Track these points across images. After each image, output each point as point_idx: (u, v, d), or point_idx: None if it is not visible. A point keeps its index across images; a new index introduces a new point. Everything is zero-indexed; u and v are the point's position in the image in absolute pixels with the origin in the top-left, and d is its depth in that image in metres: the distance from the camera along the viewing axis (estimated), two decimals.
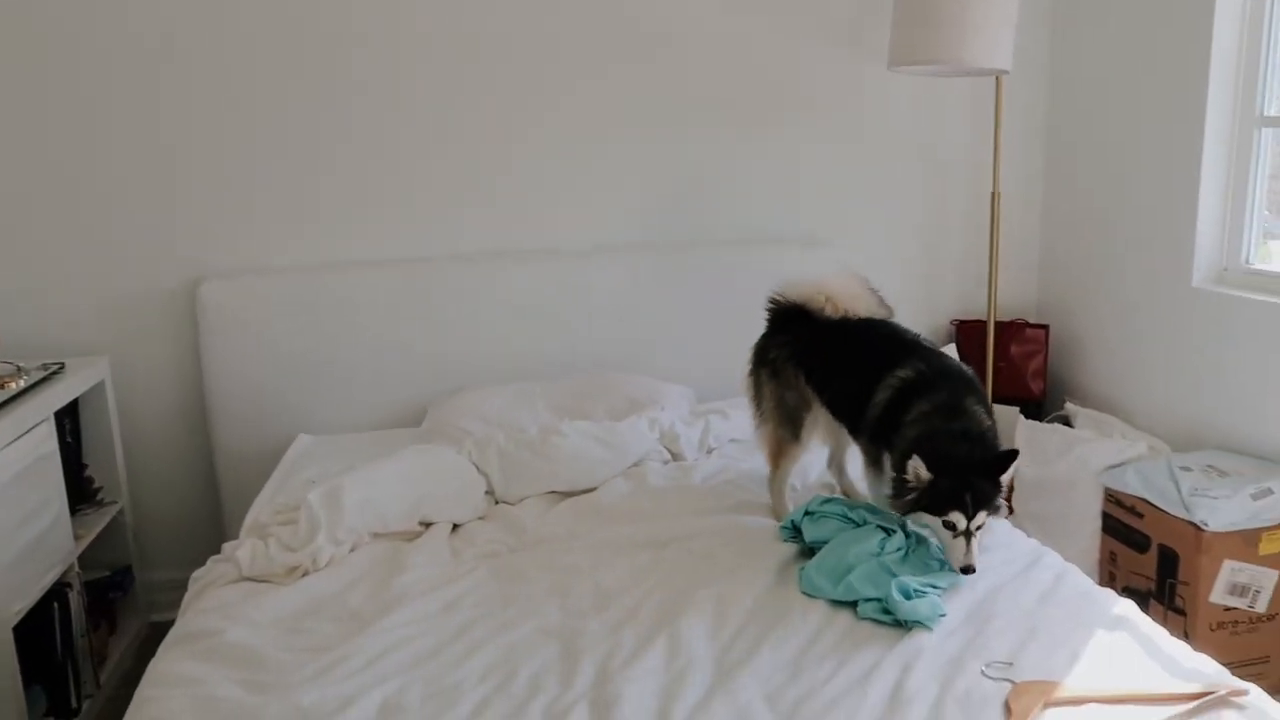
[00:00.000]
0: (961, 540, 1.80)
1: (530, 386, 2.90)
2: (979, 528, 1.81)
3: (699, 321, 3.13)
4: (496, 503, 2.37)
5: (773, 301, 2.33)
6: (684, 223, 3.20)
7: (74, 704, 2.49)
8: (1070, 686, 1.48)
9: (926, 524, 1.87)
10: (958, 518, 1.79)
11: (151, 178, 2.87)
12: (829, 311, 2.21)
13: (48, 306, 2.88)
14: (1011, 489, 3.10)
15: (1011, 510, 2.86)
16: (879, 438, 2.04)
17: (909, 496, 1.84)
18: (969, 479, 1.80)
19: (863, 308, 2.22)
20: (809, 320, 2.23)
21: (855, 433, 2.13)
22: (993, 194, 3.15)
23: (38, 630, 2.39)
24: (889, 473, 2.07)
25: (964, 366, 2.06)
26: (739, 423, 2.78)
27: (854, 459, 2.29)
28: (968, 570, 1.81)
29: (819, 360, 2.20)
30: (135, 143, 2.84)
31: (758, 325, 3.13)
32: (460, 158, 3.02)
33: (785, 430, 2.25)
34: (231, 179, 2.91)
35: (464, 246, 3.07)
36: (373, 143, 2.96)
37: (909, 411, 1.93)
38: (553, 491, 2.39)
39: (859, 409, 2.06)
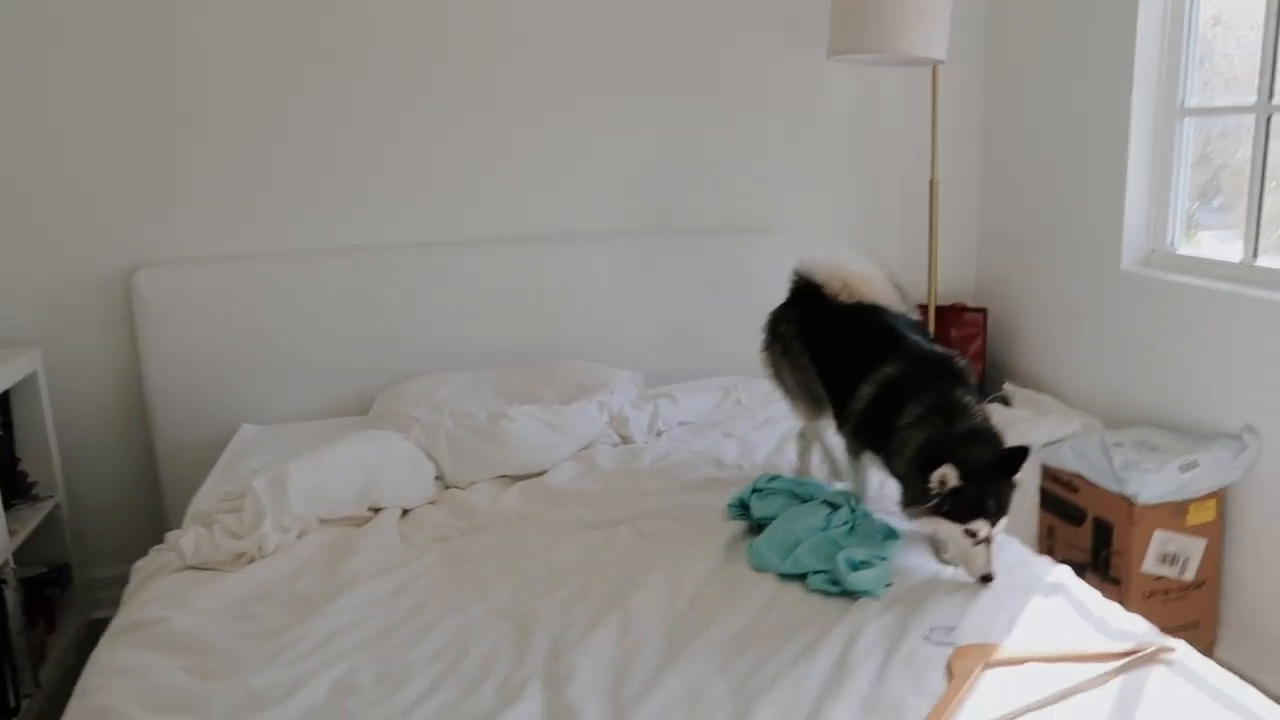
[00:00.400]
0: (982, 548, 1.74)
1: (479, 374, 2.90)
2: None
3: (648, 308, 3.16)
4: (446, 488, 2.36)
5: (794, 274, 2.31)
6: (634, 212, 3.22)
7: (12, 703, 2.42)
8: (1009, 648, 1.54)
9: (939, 532, 1.81)
10: (981, 525, 1.73)
11: (84, 161, 2.79)
12: (843, 297, 2.18)
13: None
14: None
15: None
16: (862, 433, 2.01)
17: (929, 503, 1.75)
18: (990, 484, 1.73)
19: (880, 297, 2.17)
20: (820, 300, 2.22)
21: (840, 422, 2.10)
22: (931, 181, 3.22)
23: None
24: (864, 463, 2.08)
25: (951, 355, 1.98)
26: (688, 406, 2.81)
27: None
28: (988, 579, 1.74)
29: (820, 342, 2.19)
30: (69, 125, 2.76)
31: (706, 312, 3.19)
32: (404, 145, 3.00)
33: (813, 405, 2.25)
34: (168, 164, 2.85)
35: (409, 234, 3.05)
36: (315, 131, 2.92)
37: (901, 414, 1.87)
38: (503, 475, 2.39)
39: (844, 400, 2.04)
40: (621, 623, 1.69)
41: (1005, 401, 3.20)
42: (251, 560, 1.95)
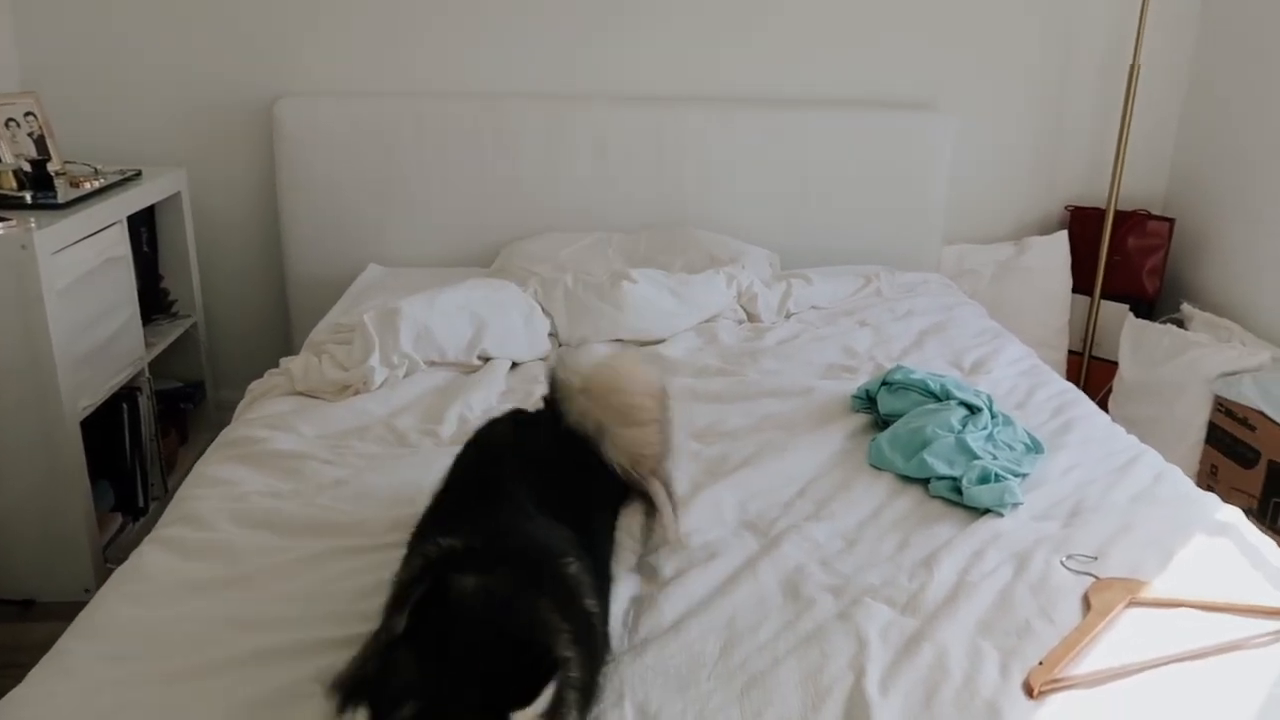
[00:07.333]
0: None
1: (606, 236, 2.78)
2: None
3: (789, 185, 2.92)
4: (560, 345, 2.28)
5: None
6: (780, 78, 2.95)
7: (141, 504, 2.55)
8: (1160, 588, 1.34)
9: None
10: None
11: None
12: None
13: (127, 115, 2.83)
14: (1109, 391, 2.90)
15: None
16: None
17: None
18: None
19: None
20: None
21: None
22: (1131, 66, 2.82)
23: (108, 431, 2.43)
24: None
25: None
26: (822, 290, 2.64)
27: None
28: None
29: None
30: None
31: (853, 194, 2.93)
32: None
33: None
34: None
35: (552, 85, 2.90)
36: None
37: None
38: (618, 339, 2.29)
39: None
40: (714, 506, 1.57)
41: (1181, 324, 2.85)
42: (356, 393, 1.92)
